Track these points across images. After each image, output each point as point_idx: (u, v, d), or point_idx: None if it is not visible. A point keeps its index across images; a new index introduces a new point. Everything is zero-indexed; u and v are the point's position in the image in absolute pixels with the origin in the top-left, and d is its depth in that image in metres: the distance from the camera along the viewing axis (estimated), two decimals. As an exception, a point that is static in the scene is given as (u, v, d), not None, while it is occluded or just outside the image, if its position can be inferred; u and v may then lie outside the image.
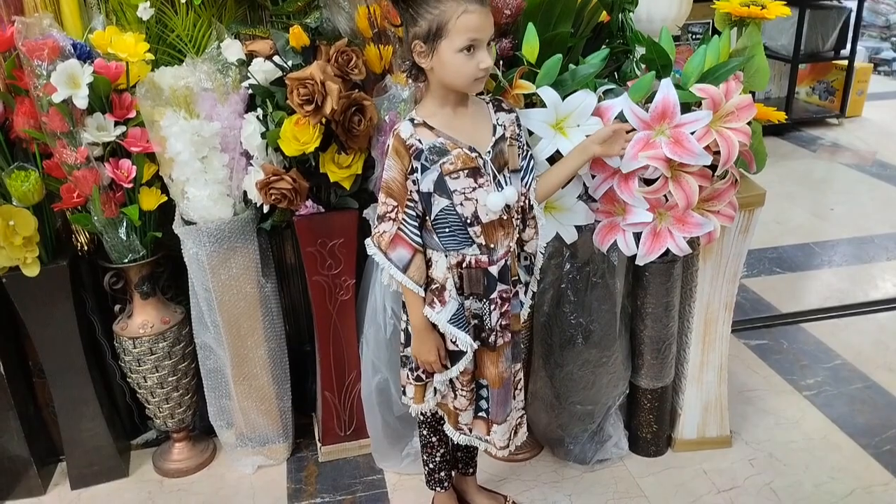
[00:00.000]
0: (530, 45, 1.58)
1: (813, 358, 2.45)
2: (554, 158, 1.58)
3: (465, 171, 1.40)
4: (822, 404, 2.21)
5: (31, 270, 1.72)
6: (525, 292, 1.60)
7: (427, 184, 1.41)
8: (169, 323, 1.91)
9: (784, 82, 4.75)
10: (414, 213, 1.43)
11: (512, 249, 1.52)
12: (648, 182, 1.58)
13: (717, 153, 1.52)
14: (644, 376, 1.94)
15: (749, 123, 1.57)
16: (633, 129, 1.51)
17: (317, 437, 2.08)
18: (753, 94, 1.72)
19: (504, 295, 1.51)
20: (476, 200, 1.42)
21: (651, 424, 2.00)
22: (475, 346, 1.51)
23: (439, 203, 1.42)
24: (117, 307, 1.95)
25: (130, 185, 1.72)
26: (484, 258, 1.46)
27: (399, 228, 1.43)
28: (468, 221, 1.43)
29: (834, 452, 2.02)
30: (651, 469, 1.99)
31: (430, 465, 1.75)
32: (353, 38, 1.72)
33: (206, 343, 1.91)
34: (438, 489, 1.78)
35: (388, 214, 1.44)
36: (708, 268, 1.85)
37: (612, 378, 1.90)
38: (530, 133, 1.57)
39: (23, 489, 1.96)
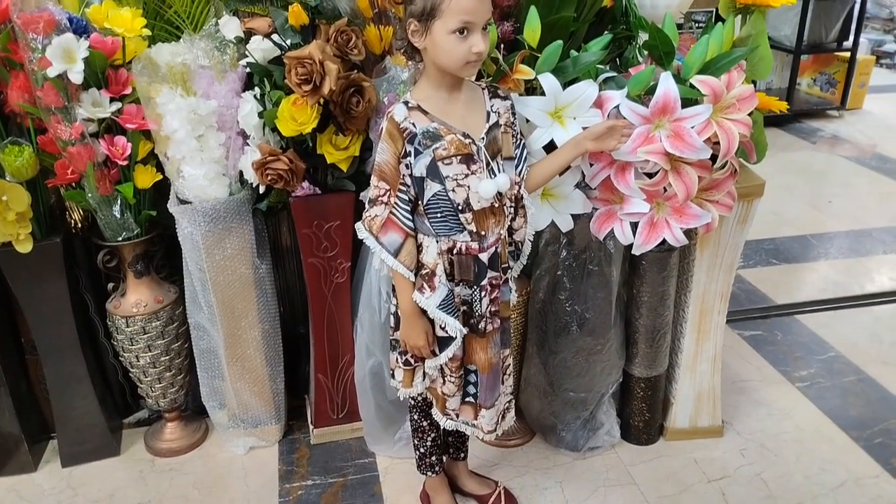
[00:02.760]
0: (532, 29, 1.56)
1: (807, 350, 2.46)
2: (549, 148, 1.57)
3: (458, 158, 1.39)
4: (815, 396, 2.22)
5: (24, 247, 1.71)
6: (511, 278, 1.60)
7: (420, 168, 1.39)
8: (162, 302, 1.90)
9: (786, 73, 4.73)
10: (406, 198, 1.42)
11: (502, 237, 1.51)
12: (649, 175, 1.57)
13: (718, 144, 1.51)
14: (638, 365, 1.94)
15: (750, 113, 1.55)
16: (630, 126, 1.49)
17: (309, 420, 2.08)
18: (755, 83, 1.70)
19: (494, 282, 1.50)
20: (468, 187, 1.40)
21: (643, 413, 2.00)
22: (464, 331, 1.50)
23: (432, 188, 1.40)
24: (111, 285, 1.94)
25: (125, 163, 1.71)
26: (475, 245, 1.45)
27: (391, 212, 1.42)
28: (460, 208, 1.42)
29: (825, 444, 2.03)
30: (642, 457, 1.99)
31: (421, 450, 1.75)
32: (352, 18, 1.70)
33: (200, 323, 1.90)
34: (429, 473, 1.78)
35: (380, 198, 1.43)
36: (705, 258, 1.84)
37: (605, 366, 1.90)
38: (527, 121, 1.56)
39: (14, 466, 1.96)
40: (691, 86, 1.50)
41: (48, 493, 1.91)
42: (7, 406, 1.90)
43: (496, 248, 1.48)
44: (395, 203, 1.42)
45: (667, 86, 1.46)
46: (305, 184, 1.74)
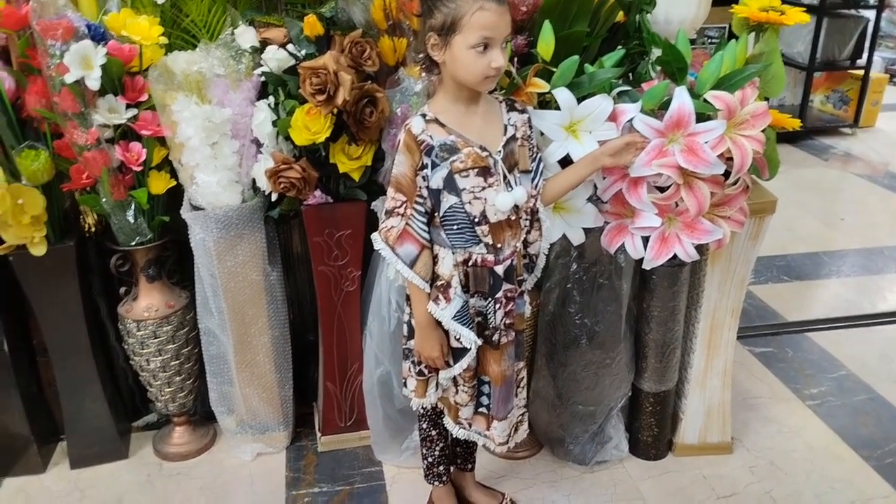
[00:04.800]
0: (546, 43, 1.57)
1: (817, 367, 2.44)
2: (563, 162, 1.57)
3: (475, 170, 1.39)
4: (826, 414, 2.20)
5: (39, 250, 1.72)
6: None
7: (436, 181, 1.40)
8: (173, 307, 1.91)
9: (798, 90, 4.72)
10: (423, 209, 1.43)
11: (518, 250, 1.51)
12: (661, 189, 1.57)
13: (731, 160, 1.51)
14: (647, 379, 1.93)
15: (763, 130, 1.55)
16: (645, 140, 1.50)
17: (317, 427, 2.08)
18: (767, 100, 1.70)
19: (509, 294, 1.51)
20: (485, 200, 1.41)
21: (652, 428, 1.99)
22: (479, 342, 1.50)
23: (448, 200, 1.41)
24: (122, 289, 1.95)
25: (140, 169, 1.72)
26: (490, 257, 1.46)
27: (407, 224, 1.43)
28: (476, 220, 1.42)
29: (835, 463, 2.01)
30: (650, 472, 1.98)
31: (429, 459, 1.75)
32: (367, 30, 1.71)
33: (210, 329, 1.91)
34: (436, 483, 1.77)
35: (396, 209, 1.43)
36: (716, 273, 1.84)
37: (614, 380, 1.89)
38: (541, 134, 1.56)
39: (23, 467, 1.96)
40: (705, 101, 1.50)
41: (56, 495, 1.91)
42: (17, 407, 1.91)
43: (512, 260, 1.49)
44: (412, 215, 1.42)
45: (682, 100, 1.46)
46: (317, 192, 1.75)
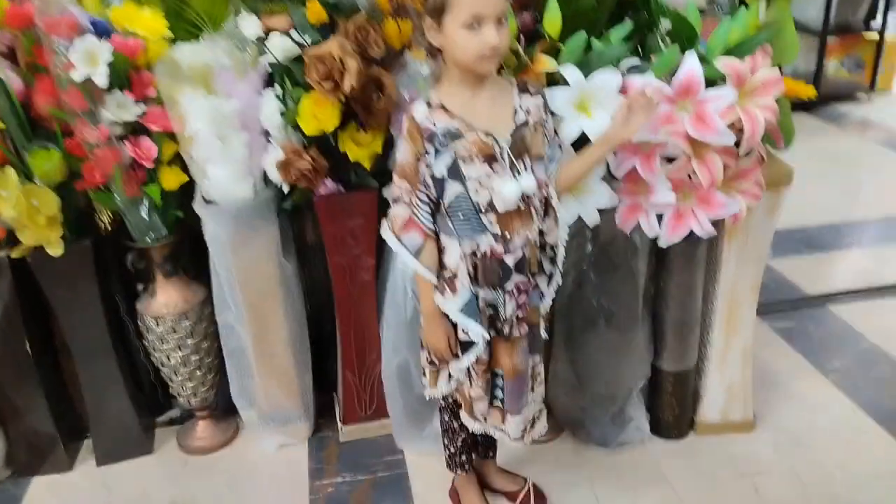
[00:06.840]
0: (552, 19, 1.54)
1: (840, 341, 2.41)
2: (578, 144, 1.54)
3: (480, 158, 1.35)
4: (849, 388, 2.18)
5: (56, 250, 1.73)
6: (549, 283, 1.53)
7: (440, 168, 1.37)
8: (191, 302, 1.92)
9: (812, 56, 4.64)
10: (426, 198, 1.39)
11: (531, 240, 1.44)
12: (671, 160, 1.55)
13: (742, 131, 1.48)
14: (666, 359, 1.92)
15: (777, 99, 1.52)
16: (647, 97, 1.40)
17: (338, 417, 2.09)
18: (780, 67, 1.67)
19: (521, 286, 1.45)
20: (491, 188, 1.37)
21: (673, 407, 1.98)
22: (487, 337, 1.46)
23: (453, 188, 1.37)
24: (140, 286, 1.96)
25: (152, 165, 1.72)
26: (499, 248, 1.40)
27: (412, 212, 1.41)
28: (482, 209, 1.38)
29: (860, 437, 1.99)
30: (673, 452, 1.97)
31: (451, 449, 1.74)
32: (371, 13, 1.69)
33: (228, 322, 1.91)
34: (459, 472, 1.77)
35: (400, 197, 1.41)
36: (733, 249, 1.81)
37: (633, 361, 1.88)
38: (553, 113, 1.53)
39: (50, 465, 1.99)
40: (714, 69, 1.48)
41: (84, 492, 1.93)
42: (42, 407, 1.93)
43: (524, 251, 1.43)
44: (416, 203, 1.40)
45: (690, 66, 1.43)
46: (329, 182, 1.74)
